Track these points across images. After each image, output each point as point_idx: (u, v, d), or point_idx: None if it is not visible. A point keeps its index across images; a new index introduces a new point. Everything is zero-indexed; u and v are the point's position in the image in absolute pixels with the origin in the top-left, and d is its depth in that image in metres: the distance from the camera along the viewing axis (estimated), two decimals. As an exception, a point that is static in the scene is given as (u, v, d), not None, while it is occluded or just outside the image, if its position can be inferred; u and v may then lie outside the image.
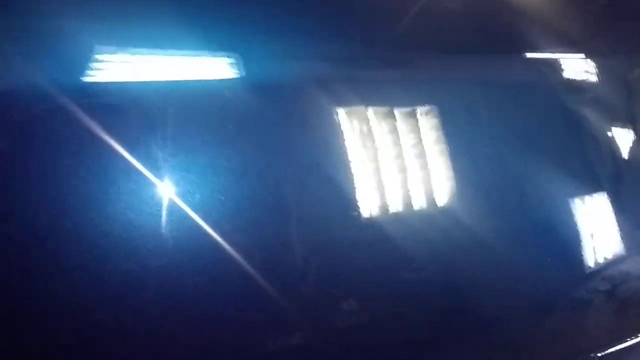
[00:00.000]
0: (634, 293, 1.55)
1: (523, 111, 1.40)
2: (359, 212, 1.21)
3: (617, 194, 1.50)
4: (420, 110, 1.31)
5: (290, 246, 1.14)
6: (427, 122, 1.32)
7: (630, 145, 1.49)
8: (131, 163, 0.97)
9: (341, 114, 1.20)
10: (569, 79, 1.42)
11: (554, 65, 1.39)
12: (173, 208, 1.02)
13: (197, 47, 1.07)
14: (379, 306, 1.23)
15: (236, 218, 1.06)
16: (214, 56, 1.10)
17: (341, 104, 1.20)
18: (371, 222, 1.24)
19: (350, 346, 1.17)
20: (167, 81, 1.05)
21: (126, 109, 1.00)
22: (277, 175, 1.11)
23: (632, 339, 1.45)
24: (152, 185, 1.00)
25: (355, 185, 1.20)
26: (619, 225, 1.53)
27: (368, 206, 1.23)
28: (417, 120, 1.31)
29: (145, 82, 1.03)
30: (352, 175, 1.20)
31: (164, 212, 1.00)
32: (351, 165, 1.21)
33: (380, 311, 1.23)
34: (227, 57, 1.10)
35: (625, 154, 1.50)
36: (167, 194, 1.01)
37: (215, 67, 1.10)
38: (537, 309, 1.45)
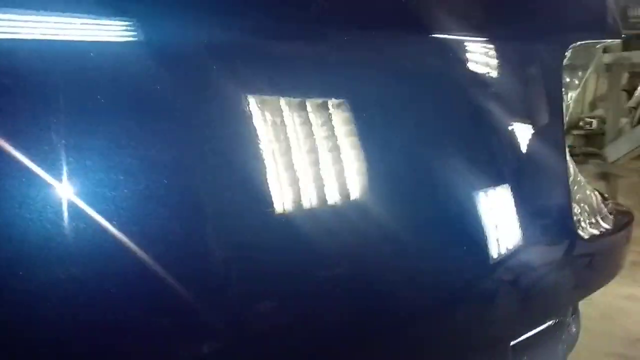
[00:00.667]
0: (536, 281, 1.62)
1: (431, 102, 1.41)
2: (271, 207, 1.15)
3: (519, 187, 1.55)
4: (331, 102, 1.28)
5: (197, 244, 1.06)
6: (339, 114, 1.29)
7: (530, 138, 1.56)
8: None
9: (252, 102, 1.13)
10: (475, 69, 1.44)
11: (462, 53, 1.40)
12: (60, 197, 0.88)
13: (89, 8, 0.92)
14: (295, 305, 1.18)
15: (135, 213, 0.95)
16: (108, 19, 0.95)
17: (251, 90, 1.13)
18: (283, 218, 1.19)
19: (267, 348, 1.11)
20: (54, 43, 0.90)
21: (9, 75, 0.85)
22: (181, 163, 1.01)
23: (539, 325, 1.51)
24: (40, 173, 0.86)
25: (267, 180, 1.14)
26: (519, 216, 1.58)
27: (280, 201, 1.17)
28: (329, 112, 1.27)
29: (29, 44, 0.87)
30: (263, 168, 1.14)
31: (51, 204, 0.87)
32: (262, 157, 1.14)
33: (295, 310, 1.18)
34: (123, 20, 0.95)
35: (525, 147, 1.56)
36: (56, 181, 0.88)
37: (109, 31, 0.96)
38: (447, 303, 1.47)
